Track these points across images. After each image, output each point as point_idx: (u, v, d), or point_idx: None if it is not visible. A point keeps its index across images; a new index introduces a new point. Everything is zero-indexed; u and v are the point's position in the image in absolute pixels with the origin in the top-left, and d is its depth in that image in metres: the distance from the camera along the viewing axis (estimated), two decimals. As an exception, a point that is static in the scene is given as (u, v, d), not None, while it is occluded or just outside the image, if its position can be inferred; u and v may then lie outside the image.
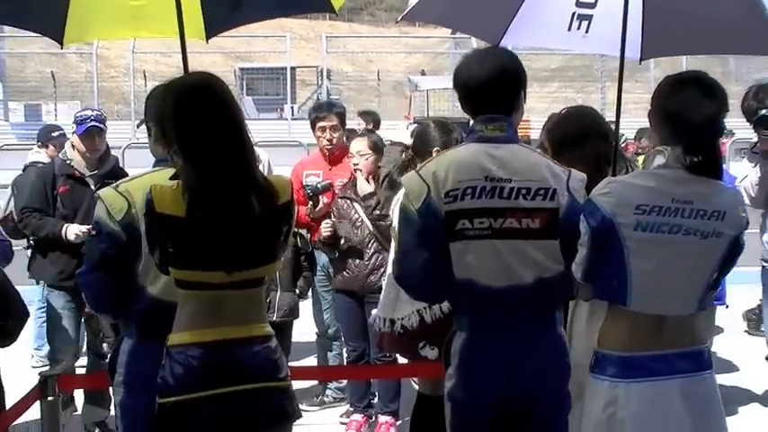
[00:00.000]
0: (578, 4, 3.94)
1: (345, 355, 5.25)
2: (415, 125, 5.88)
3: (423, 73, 28.12)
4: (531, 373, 2.64)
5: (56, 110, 26.69)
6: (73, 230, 4.51)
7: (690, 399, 2.55)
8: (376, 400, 5.08)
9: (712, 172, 2.55)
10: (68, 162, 4.66)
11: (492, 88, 2.69)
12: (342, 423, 5.06)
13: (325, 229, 4.78)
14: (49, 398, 2.99)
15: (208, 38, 3.84)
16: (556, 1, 3.96)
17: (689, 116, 2.50)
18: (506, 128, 2.70)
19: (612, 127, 3.49)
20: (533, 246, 2.62)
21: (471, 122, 2.77)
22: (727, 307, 4.79)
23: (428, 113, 22.82)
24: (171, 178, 2.56)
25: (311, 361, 5.74)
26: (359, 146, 4.83)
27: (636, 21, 3.75)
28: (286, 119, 22.71)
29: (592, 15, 3.94)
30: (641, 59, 3.92)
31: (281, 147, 6.64)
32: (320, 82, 26.85)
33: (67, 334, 4.59)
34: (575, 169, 2.73)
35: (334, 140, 5.16)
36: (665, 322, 2.56)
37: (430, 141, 3.85)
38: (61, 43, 3.85)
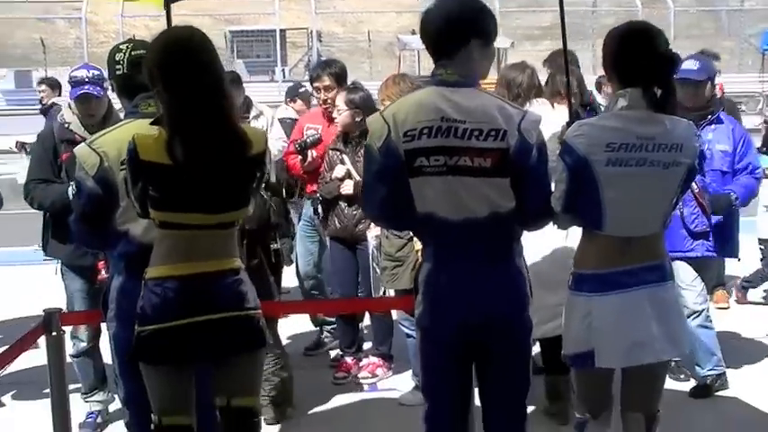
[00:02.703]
0: None
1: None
2: None
3: (413, 32, 27.99)
4: (489, 299, 2.80)
5: (46, 77, 26.63)
6: None
7: (655, 305, 2.84)
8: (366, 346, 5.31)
9: (669, 107, 2.81)
10: (66, 126, 4.25)
11: (442, 34, 2.83)
12: (332, 366, 5.27)
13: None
14: (53, 333, 3.17)
15: (167, 4, 3.84)
16: None
17: (643, 58, 2.78)
18: (464, 72, 2.82)
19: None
20: (485, 183, 2.76)
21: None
22: (739, 260, 4.94)
23: (419, 72, 22.82)
24: (152, 124, 2.75)
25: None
26: (339, 100, 4.99)
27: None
28: (277, 81, 22.70)
29: None
30: None
31: (274, 108, 6.86)
32: (311, 44, 26.81)
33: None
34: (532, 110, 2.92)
35: (329, 100, 5.23)
36: (633, 242, 2.84)
37: None
38: None
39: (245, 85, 6.25)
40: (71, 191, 3.56)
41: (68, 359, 3.94)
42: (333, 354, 5.41)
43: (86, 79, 4.17)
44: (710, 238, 4.58)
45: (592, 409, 3.03)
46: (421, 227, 2.90)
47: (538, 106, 4.18)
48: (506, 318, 2.84)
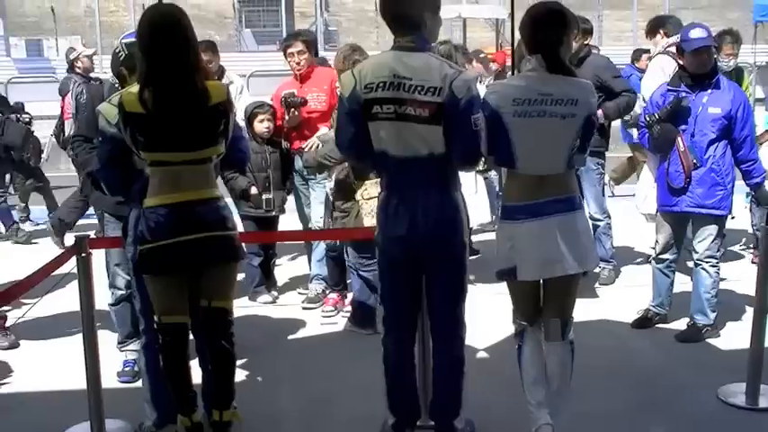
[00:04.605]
0: None
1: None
2: None
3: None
4: (426, 223, 3.49)
5: (57, 45, 27.20)
6: None
7: (565, 230, 3.49)
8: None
9: (566, 71, 3.49)
10: (116, 86, 4.36)
11: (399, 16, 3.50)
12: (320, 302, 5.96)
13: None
14: (83, 254, 3.83)
15: None
16: None
17: (539, 33, 3.47)
18: (416, 40, 3.49)
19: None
20: (424, 129, 3.43)
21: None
22: (733, 218, 5.30)
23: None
24: (138, 82, 3.48)
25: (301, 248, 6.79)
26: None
27: None
28: (284, 51, 23.24)
29: None
30: None
31: (281, 76, 7.41)
32: (318, 14, 27.26)
33: (122, 266, 4.62)
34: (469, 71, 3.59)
35: (302, 62, 6.01)
36: (545, 179, 3.49)
37: None
38: None
39: (253, 54, 6.92)
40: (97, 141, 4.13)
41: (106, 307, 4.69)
42: (320, 288, 6.05)
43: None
44: (692, 194, 4.94)
45: (526, 316, 3.69)
46: (377, 161, 3.60)
47: None
48: (440, 237, 3.52)
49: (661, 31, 6.58)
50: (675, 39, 6.41)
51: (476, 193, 5.94)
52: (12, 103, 8.89)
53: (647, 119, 5.11)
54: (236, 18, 29.21)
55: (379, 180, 4.84)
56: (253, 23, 30.26)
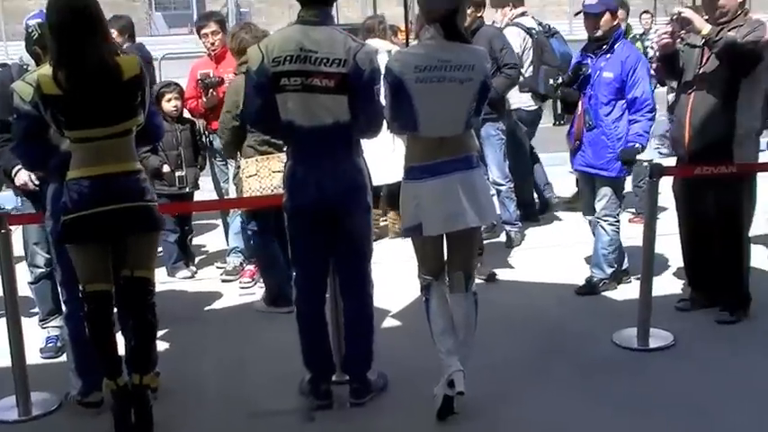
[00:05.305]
0: None
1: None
2: None
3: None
4: (332, 188, 3.71)
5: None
6: (23, 177, 4.50)
7: (465, 186, 3.72)
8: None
9: (463, 39, 3.73)
10: (25, 67, 4.49)
11: None
12: (238, 274, 6.15)
13: None
14: (2, 231, 3.91)
15: None
16: None
17: (435, 2, 3.69)
18: (320, 14, 3.71)
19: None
20: (329, 99, 3.65)
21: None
22: (624, 178, 5.49)
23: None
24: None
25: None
26: None
27: None
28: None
29: None
30: None
31: (193, 59, 7.47)
32: (228, -5, 27.08)
33: (41, 245, 4.81)
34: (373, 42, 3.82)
35: (216, 43, 6.17)
36: (444, 141, 3.71)
37: None
38: None
39: (164, 38, 7.01)
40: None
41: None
42: (237, 261, 6.21)
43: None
44: (584, 154, 5.23)
45: (431, 271, 3.90)
46: (284, 132, 3.79)
47: (371, 41, 5.56)
48: (346, 201, 3.76)
49: (511, 4, 6.90)
50: (521, 10, 6.82)
51: (393, 152, 6.10)
52: None
53: (554, 84, 5.41)
54: (145, 1, 28.78)
55: (257, 158, 5.01)
56: (163, 6, 29.90)
